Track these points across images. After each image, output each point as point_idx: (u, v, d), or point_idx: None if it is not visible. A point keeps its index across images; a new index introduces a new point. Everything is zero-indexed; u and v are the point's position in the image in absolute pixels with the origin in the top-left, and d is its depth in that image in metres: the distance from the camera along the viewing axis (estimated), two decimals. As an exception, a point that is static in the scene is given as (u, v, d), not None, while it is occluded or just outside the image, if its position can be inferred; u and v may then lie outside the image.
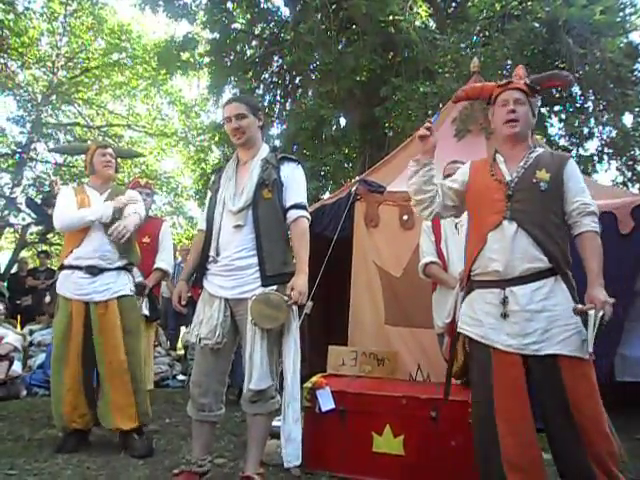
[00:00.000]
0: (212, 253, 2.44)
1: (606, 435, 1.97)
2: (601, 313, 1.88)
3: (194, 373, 2.51)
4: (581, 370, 1.97)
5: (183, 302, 2.54)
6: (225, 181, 2.51)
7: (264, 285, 2.36)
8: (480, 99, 2.58)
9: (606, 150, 8.16)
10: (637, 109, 7.56)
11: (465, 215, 3.27)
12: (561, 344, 1.97)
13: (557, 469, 2.06)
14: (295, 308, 2.40)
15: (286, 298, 2.32)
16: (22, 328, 6.44)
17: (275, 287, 2.37)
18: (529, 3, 7.26)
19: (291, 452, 2.35)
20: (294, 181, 2.49)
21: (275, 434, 2.91)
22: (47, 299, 6.88)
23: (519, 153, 2.21)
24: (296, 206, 2.46)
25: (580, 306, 1.94)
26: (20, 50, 12.76)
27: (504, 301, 2.04)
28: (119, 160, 3.49)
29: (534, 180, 2.10)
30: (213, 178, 2.68)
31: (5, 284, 7.83)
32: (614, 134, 7.88)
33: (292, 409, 2.37)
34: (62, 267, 3.18)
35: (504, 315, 2.03)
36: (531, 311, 2.00)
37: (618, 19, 7.54)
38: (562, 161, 2.16)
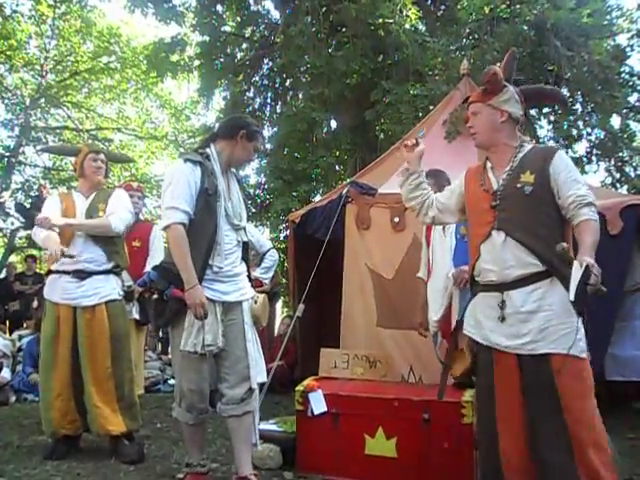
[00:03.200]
0: (220, 264, 2.41)
1: (600, 445, 1.92)
2: (585, 265, 1.79)
3: (190, 381, 2.43)
4: (575, 369, 1.94)
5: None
6: (221, 189, 2.44)
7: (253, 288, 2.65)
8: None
9: (595, 152, 8.23)
10: (624, 111, 7.65)
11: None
12: (556, 342, 1.95)
13: None
14: None
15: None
16: (10, 334, 6.37)
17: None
18: (518, 6, 7.31)
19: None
20: None
21: (268, 438, 2.90)
22: (35, 304, 6.86)
23: (504, 156, 2.19)
24: None
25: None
26: (8, 53, 12.66)
27: (502, 305, 2.07)
28: (109, 164, 3.46)
29: (518, 185, 2.07)
30: (202, 175, 2.41)
31: (-7, 289, 7.77)
32: (602, 136, 7.95)
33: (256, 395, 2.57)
34: (49, 272, 3.16)
35: (501, 318, 2.06)
36: (526, 312, 2.01)
37: (605, 22, 7.62)
38: (547, 156, 2.09)
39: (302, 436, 2.86)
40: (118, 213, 3.15)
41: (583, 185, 2.04)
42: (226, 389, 2.44)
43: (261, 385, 2.63)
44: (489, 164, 2.24)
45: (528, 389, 2.00)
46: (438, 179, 3.32)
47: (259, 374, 2.50)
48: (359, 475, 2.71)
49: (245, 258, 2.62)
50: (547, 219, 2.04)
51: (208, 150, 2.51)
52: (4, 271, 9.83)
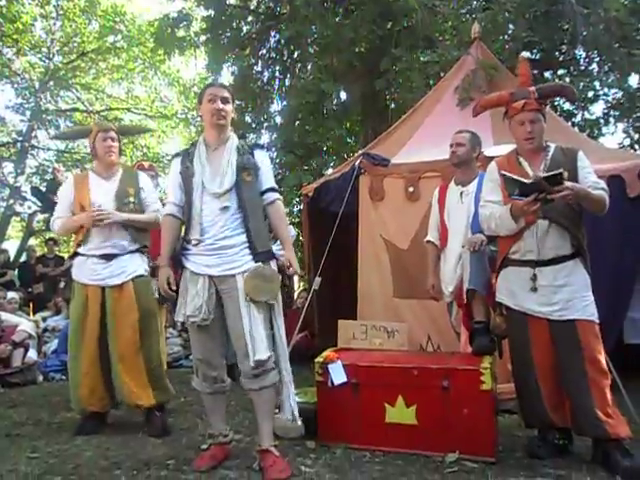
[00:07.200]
0: (196, 236, 2.49)
1: (610, 388, 2.48)
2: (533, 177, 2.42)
3: (197, 351, 2.58)
4: (594, 332, 2.49)
5: (173, 287, 2.52)
6: (199, 167, 2.53)
7: (256, 260, 2.49)
8: (498, 107, 2.89)
9: (612, 112, 8.01)
10: (643, 69, 7.39)
11: (471, 185, 3.27)
12: (581, 311, 2.48)
13: (572, 426, 2.56)
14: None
15: (276, 270, 2.56)
16: (34, 315, 6.51)
17: (263, 262, 2.51)
18: (531, -36, 7.05)
19: (288, 408, 2.56)
20: (267, 166, 2.68)
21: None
22: (61, 285, 6.98)
23: (537, 155, 2.61)
24: (272, 189, 2.64)
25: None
26: (14, 37, 12.62)
27: (534, 278, 2.53)
28: (123, 140, 3.46)
29: None
30: (181, 163, 2.59)
31: (16, 273, 7.92)
32: (620, 96, 7.73)
33: (285, 370, 2.56)
34: (76, 254, 3.22)
35: (534, 289, 2.53)
36: (556, 286, 2.50)
37: (622, -24, 7.32)
38: (573, 156, 2.56)
39: (323, 406, 2.91)
40: (158, 205, 3.27)
41: (596, 177, 2.54)
42: (239, 363, 2.54)
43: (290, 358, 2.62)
44: (524, 161, 2.61)
45: (558, 346, 2.51)
46: (476, 139, 3.32)
47: (264, 349, 2.43)
48: (380, 442, 2.76)
49: (247, 226, 2.49)
50: (576, 206, 2.50)
51: (200, 138, 2.66)
52: (25, 254, 10.00)
